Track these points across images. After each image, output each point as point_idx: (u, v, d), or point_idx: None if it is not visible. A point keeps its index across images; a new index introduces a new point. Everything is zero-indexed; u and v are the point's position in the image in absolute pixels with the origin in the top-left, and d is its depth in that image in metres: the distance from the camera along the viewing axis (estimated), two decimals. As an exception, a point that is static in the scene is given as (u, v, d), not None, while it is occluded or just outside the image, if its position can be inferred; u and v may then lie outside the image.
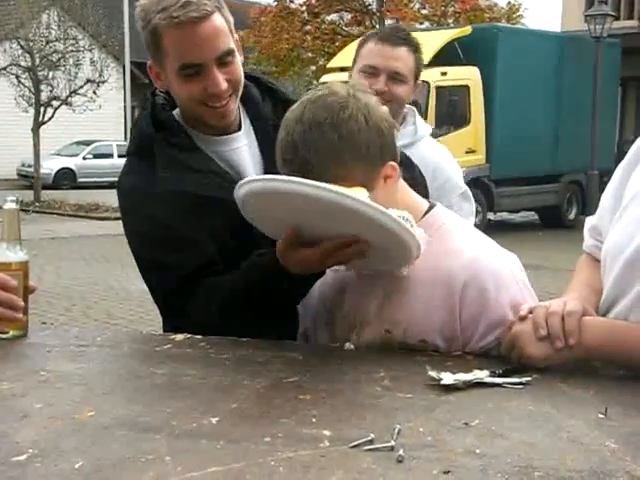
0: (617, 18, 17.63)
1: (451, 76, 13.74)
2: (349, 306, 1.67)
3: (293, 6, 24.61)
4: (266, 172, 1.80)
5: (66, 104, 18.91)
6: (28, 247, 1.73)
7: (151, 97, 1.92)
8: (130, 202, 1.86)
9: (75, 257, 11.54)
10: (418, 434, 1.16)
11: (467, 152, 13.48)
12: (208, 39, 1.72)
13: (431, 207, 1.68)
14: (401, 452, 1.08)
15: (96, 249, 12.15)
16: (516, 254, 1.67)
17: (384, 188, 1.55)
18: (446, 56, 13.60)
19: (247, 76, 1.89)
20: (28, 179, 21.69)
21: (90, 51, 19.87)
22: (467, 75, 14.03)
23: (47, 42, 19.01)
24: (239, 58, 1.81)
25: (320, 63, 23.81)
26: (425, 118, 13.76)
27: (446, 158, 2.70)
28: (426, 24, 23.77)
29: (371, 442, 1.12)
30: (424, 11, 24.43)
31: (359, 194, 1.43)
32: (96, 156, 24.84)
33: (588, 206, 14.87)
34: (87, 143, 25.47)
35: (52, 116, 18.78)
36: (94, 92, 19.11)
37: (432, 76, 13.38)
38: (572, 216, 16.03)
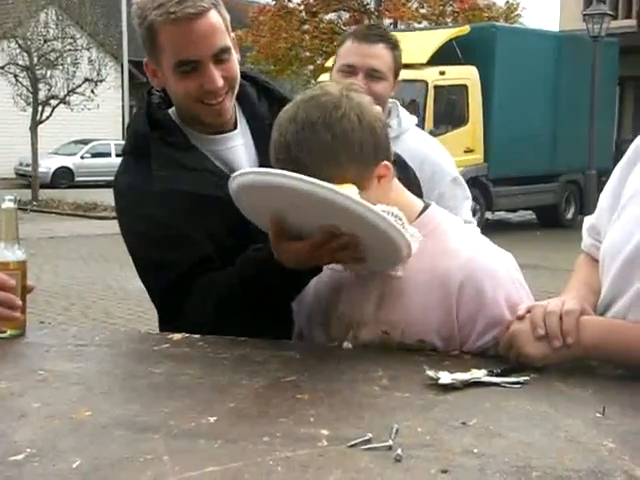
0: (615, 17, 17.63)
1: (449, 75, 13.75)
2: (344, 307, 1.66)
3: (291, 5, 24.61)
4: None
5: (64, 103, 18.90)
6: (26, 246, 1.73)
7: (147, 96, 1.92)
8: (126, 201, 1.86)
9: (73, 256, 11.53)
10: (416, 433, 1.16)
11: (465, 151, 13.50)
12: (204, 35, 1.72)
13: (426, 207, 1.67)
14: (399, 451, 1.08)
15: (94, 248, 12.14)
16: (514, 253, 1.67)
17: (378, 188, 1.55)
18: (444, 55, 13.61)
19: (243, 75, 1.89)
20: (26, 178, 21.68)
21: (88, 50, 19.86)
22: (465, 74, 14.04)
23: (45, 41, 18.99)
24: (235, 56, 1.81)
25: (318, 62, 23.78)
26: (423, 117, 13.65)
27: (433, 148, 2.71)
28: (424, 23, 23.77)
29: (369, 441, 1.12)
30: (422, 10, 24.41)
31: (348, 191, 1.42)
32: (94, 155, 24.84)
33: (586, 206, 14.89)
34: (85, 142, 25.45)
35: (50, 115, 18.78)
36: (92, 91, 19.10)
37: (430, 75, 13.40)
38: (570, 216, 16.05)
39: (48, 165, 23.22)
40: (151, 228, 1.78)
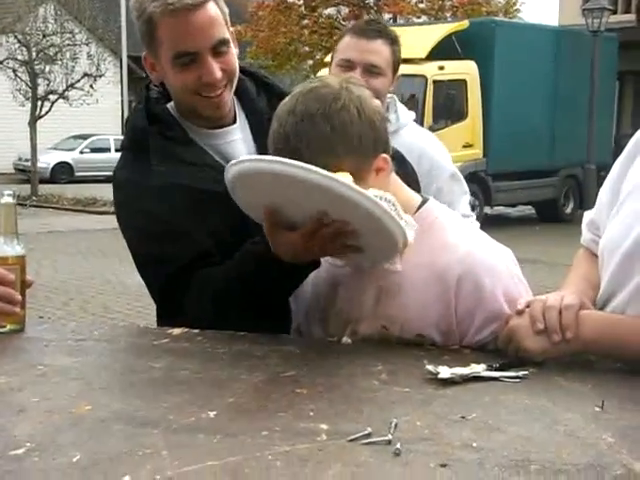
0: (614, 12, 17.61)
1: (448, 70, 13.72)
2: (342, 303, 1.66)
3: (290, 0, 24.58)
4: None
5: (63, 98, 18.87)
6: (25, 241, 1.73)
7: (145, 91, 1.91)
8: (125, 196, 1.86)
9: (72, 251, 11.53)
10: (415, 428, 1.16)
11: (464, 146, 13.50)
12: (203, 27, 1.72)
13: (424, 202, 1.67)
14: (398, 446, 1.08)
15: (93, 243, 12.14)
16: (513, 248, 1.67)
17: (376, 181, 1.54)
18: (443, 50, 13.59)
19: (242, 70, 1.89)
20: (25, 173, 21.66)
21: (87, 45, 19.83)
22: (464, 69, 14.02)
23: (44, 36, 18.96)
24: (234, 49, 1.81)
25: (317, 57, 23.77)
26: (422, 112, 13.64)
27: (431, 143, 2.71)
28: (423, 18, 23.73)
29: (368, 436, 1.12)
30: (421, 5, 24.41)
31: (343, 178, 1.42)
32: (93, 150, 24.79)
33: (585, 200, 14.89)
34: (84, 137, 25.41)
35: (49, 110, 18.74)
36: (91, 86, 19.05)
37: (429, 70, 13.38)
38: (569, 210, 16.04)
39: (47, 160, 23.18)
40: (150, 223, 1.78)
